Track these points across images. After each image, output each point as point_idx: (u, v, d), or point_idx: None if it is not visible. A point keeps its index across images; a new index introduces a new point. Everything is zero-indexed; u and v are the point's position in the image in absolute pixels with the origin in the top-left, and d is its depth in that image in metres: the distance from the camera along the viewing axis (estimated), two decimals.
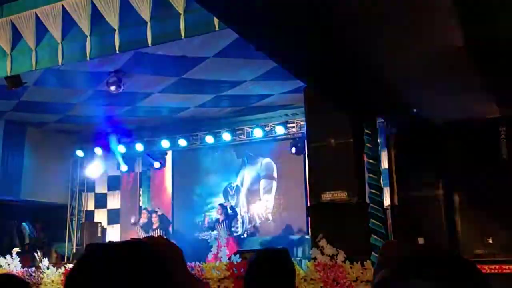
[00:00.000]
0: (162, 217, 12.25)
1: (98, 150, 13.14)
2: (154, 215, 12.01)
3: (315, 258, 6.65)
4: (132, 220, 12.74)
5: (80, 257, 1.15)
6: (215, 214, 11.79)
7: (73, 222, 13.45)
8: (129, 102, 10.76)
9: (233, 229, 11.58)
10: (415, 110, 6.39)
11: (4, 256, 8.47)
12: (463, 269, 1.14)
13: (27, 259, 9.04)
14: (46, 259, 8.41)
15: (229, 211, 11.56)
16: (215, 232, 11.48)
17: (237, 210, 12.05)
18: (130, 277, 1.07)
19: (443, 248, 1.33)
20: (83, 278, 1.08)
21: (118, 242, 1.20)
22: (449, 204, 6.60)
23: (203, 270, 7.06)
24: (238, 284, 6.64)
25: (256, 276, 2.41)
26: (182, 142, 12.38)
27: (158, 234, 11.59)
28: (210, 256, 9.44)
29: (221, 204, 11.74)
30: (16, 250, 8.58)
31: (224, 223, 11.22)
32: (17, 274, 6.64)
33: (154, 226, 11.86)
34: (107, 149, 12.93)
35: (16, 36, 7.60)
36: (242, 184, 12.44)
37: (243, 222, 12.10)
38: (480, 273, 1.17)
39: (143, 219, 12.23)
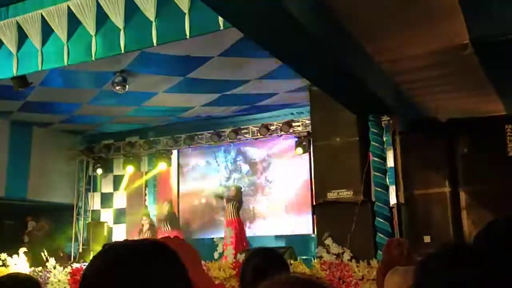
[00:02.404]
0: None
1: (104, 150, 13.18)
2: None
3: (321, 257, 6.65)
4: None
5: (97, 254, 1.15)
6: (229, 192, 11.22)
7: (79, 221, 13.49)
8: (134, 102, 10.78)
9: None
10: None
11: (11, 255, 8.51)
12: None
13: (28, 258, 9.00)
14: (53, 258, 8.43)
15: (243, 199, 11.14)
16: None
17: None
18: (148, 275, 1.08)
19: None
20: (99, 276, 1.08)
21: (135, 240, 1.21)
22: (455, 202, 6.58)
23: (209, 269, 7.08)
24: None
25: (247, 275, 2.42)
26: (187, 142, 12.40)
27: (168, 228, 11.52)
28: (216, 255, 9.45)
29: (236, 187, 11.26)
30: (23, 249, 8.60)
31: (235, 203, 10.63)
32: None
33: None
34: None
35: (22, 37, 7.62)
36: (247, 183, 12.44)
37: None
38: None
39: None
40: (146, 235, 11.43)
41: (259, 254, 2.55)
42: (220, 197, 11.29)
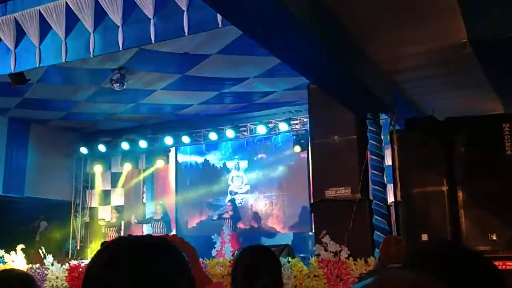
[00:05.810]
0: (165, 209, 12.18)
1: (101, 147, 13.17)
2: (158, 207, 11.95)
3: (318, 255, 6.65)
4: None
5: (100, 249, 1.15)
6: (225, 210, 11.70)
7: (77, 218, 13.49)
8: (132, 99, 10.78)
9: (238, 225, 11.53)
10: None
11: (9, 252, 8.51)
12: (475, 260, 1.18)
13: (38, 256, 8.96)
14: (50, 255, 8.42)
15: (238, 205, 11.50)
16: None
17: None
18: (151, 270, 1.08)
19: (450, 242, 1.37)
20: (101, 271, 1.08)
21: (138, 236, 1.21)
22: (453, 201, 6.57)
23: (206, 266, 7.08)
24: None
25: (238, 273, 2.43)
26: (186, 139, 12.40)
27: (161, 225, 11.58)
28: (214, 252, 9.46)
29: (231, 201, 11.66)
30: (20, 246, 8.59)
31: (231, 220, 11.17)
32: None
33: (156, 217, 11.82)
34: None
35: (20, 33, 7.61)
36: (245, 181, 12.44)
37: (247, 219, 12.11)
38: (491, 263, 1.20)
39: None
40: (160, 225, 11.52)
41: (249, 252, 2.56)
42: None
